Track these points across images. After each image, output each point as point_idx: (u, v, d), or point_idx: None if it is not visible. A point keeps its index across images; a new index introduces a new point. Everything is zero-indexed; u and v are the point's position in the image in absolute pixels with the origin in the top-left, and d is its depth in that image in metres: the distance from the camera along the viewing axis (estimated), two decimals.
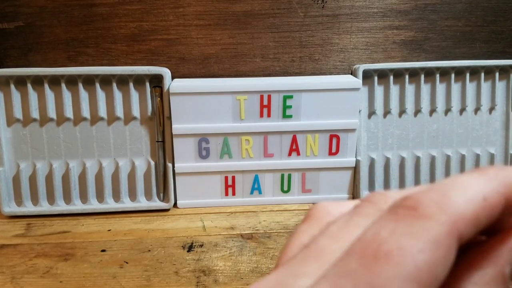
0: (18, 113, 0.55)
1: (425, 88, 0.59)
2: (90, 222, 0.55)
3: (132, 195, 0.58)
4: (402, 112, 0.59)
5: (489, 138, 0.61)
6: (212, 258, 0.46)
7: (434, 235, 0.12)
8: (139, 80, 0.56)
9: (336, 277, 0.12)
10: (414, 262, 0.11)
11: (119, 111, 0.56)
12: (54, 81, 0.55)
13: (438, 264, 0.12)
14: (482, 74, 0.59)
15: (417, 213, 0.12)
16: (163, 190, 0.58)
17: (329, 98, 0.56)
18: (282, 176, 0.59)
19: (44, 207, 0.56)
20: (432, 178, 0.60)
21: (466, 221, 0.12)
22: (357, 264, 0.12)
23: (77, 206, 0.57)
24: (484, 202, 0.13)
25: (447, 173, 0.60)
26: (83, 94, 0.55)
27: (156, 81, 0.56)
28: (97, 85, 0.55)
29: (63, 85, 0.54)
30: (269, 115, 0.56)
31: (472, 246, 0.14)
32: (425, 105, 0.59)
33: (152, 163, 0.58)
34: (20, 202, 0.56)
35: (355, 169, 0.59)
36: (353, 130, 0.58)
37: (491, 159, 0.60)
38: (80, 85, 0.55)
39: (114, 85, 0.55)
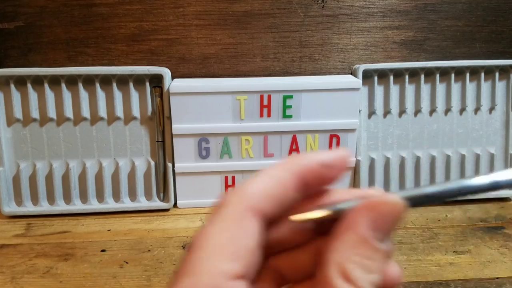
0: (18, 113, 0.55)
1: (425, 88, 0.59)
2: (90, 222, 0.55)
3: (132, 195, 0.58)
4: (402, 112, 0.59)
5: (489, 138, 0.61)
6: None
7: (231, 214, 0.15)
8: (139, 80, 0.56)
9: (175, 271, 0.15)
10: (220, 242, 0.15)
11: (119, 111, 0.56)
12: (54, 81, 0.55)
13: (242, 237, 0.15)
14: (482, 74, 0.59)
15: (222, 204, 0.16)
16: (163, 190, 0.58)
17: (329, 98, 0.56)
18: None
19: (44, 207, 0.56)
20: (432, 178, 0.60)
21: (258, 198, 0.15)
22: (182, 261, 0.15)
23: (77, 206, 0.57)
24: (273, 181, 0.16)
25: (447, 173, 0.60)
26: (83, 94, 0.55)
27: (156, 81, 0.56)
28: (97, 85, 0.55)
29: (63, 85, 0.54)
30: (269, 115, 0.56)
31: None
32: (425, 105, 0.59)
33: (152, 163, 0.58)
34: (20, 202, 0.56)
35: (355, 169, 0.59)
36: (353, 130, 0.58)
37: (491, 159, 0.60)
38: (80, 85, 0.55)
39: (114, 85, 0.55)
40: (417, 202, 0.16)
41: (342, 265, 0.15)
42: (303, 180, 0.16)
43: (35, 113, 0.55)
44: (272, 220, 0.16)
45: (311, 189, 0.17)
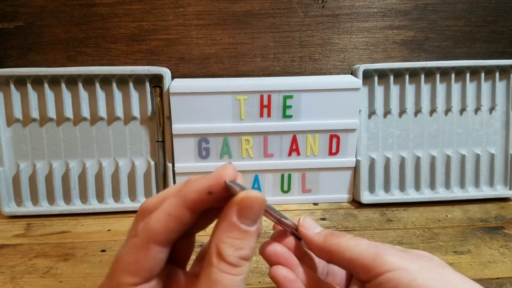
0: (18, 113, 0.55)
1: (425, 88, 0.59)
2: (90, 222, 0.55)
3: (132, 195, 0.58)
4: (402, 112, 0.59)
5: (489, 138, 0.61)
6: None
7: (138, 243, 0.20)
8: (139, 80, 0.56)
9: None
10: (127, 262, 0.20)
11: (119, 111, 0.56)
12: (54, 81, 0.55)
13: (143, 260, 0.20)
14: (482, 74, 0.59)
15: (134, 235, 0.21)
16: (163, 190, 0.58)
17: (329, 98, 0.56)
18: (282, 176, 0.59)
19: (44, 207, 0.56)
20: (432, 178, 0.60)
21: (158, 234, 0.20)
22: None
23: (77, 206, 0.57)
24: (169, 218, 0.20)
25: (447, 173, 0.60)
26: (83, 94, 0.55)
27: (156, 81, 0.56)
28: (97, 85, 0.55)
29: (63, 85, 0.54)
30: (269, 115, 0.56)
31: None
32: (425, 105, 0.59)
33: (152, 163, 0.58)
34: (20, 202, 0.56)
35: (355, 169, 0.59)
36: (353, 130, 0.58)
37: (491, 159, 0.60)
38: (80, 85, 0.55)
39: (114, 85, 0.55)
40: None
41: (217, 245, 0.20)
42: (195, 209, 0.21)
43: (35, 113, 0.55)
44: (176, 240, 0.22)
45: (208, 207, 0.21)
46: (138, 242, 0.20)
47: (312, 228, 0.27)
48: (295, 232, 0.27)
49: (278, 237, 0.28)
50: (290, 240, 0.27)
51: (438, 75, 0.58)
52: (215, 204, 0.21)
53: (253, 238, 0.20)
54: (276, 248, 0.26)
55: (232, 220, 0.20)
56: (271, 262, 0.27)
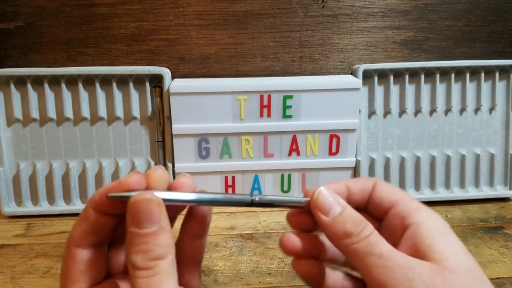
0: (18, 113, 0.55)
1: (425, 88, 0.59)
2: None
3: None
4: (402, 112, 0.59)
5: (489, 138, 0.61)
6: (212, 258, 0.46)
7: (65, 252, 0.22)
8: (139, 80, 0.56)
9: None
10: (62, 272, 0.22)
11: (119, 111, 0.56)
12: (54, 81, 0.55)
13: (71, 265, 0.22)
14: (482, 74, 0.59)
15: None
16: None
17: (329, 98, 0.56)
18: (282, 176, 0.59)
19: (44, 207, 0.56)
20: (432, 178, 0.60)
21: (76, 239, 0.22)
22: None
23: (77, 206, 0.57)
24: (86, 223, 0.22)
25: (447, 173, 0.60)
26: (83, 94, 0.55)
27: (156, 81, 0.56)
28: (97, 85, 0.55)
29: (63, 85, 0.54)
30: (269, 115, 0.56)
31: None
32: (425, 105, 0.59)
33: (152, 163, 0.58)
34: (20, 202, 0.56)
35: (355, 169, 0.59)
36: (353, 130, 0.58)
37: (491, 159, 0.60)
38: (80, 85, 0.55)
39: (114, 85, 0.55)
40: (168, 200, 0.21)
41: (129, 259, 0.20)
42: (102, 210, 0.21)
43: (35, 113, 0.55)
44: (103, 242, 0.23)
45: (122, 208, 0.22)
46: (65, 250, 0.22)
47: (329, 208, 0.23)
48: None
49: (295, 222, 0.25)
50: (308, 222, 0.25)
51: (438, 75, 0.58)
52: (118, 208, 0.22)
53: (159, 236, 0.20)
54: (294, 242, 0.25)
55: (129, 230, 0.20)
56: (291, 255, 0.25)
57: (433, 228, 0.23)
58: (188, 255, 0.24)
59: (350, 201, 0.26)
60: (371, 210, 0.26)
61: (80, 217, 0.22)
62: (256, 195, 0.24)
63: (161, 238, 0.20)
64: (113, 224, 0.22)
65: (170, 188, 0.23)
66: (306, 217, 0.25)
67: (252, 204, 0.23)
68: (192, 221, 0.24)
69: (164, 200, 0.21)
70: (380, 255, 0.21)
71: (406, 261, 0.21)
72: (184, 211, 0.25)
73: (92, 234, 0.21)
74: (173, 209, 0.22)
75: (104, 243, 0.23)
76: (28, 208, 0.56)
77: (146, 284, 0.19)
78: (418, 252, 0.22)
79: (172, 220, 0.23)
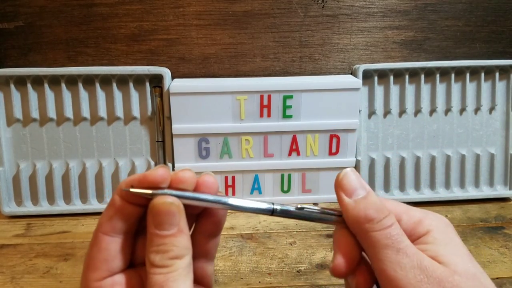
0: (18, 113, 0.55)
1: (425, 88, 0.59)
2: (90, 222, 0.55)
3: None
4: (402, 112, 0.59)
5: (489, 138, 0.61)
6: None
7: (92, 239, 0.22)
8: (139, 80, 0.56)
9: None
10: (87, 259, 0.22)
11: (119, 111, 0.56)
12: (54, 81, 0.55)
13: (96, 252, 0.22)
14: (482, 74, 0.59)
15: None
16: None
17: (329, 98, 0.56)
18: (282, 176, 0.59)
19: (44, 207, 0.56)
20: (432, 178, 0.60)
21: (104, 225, 0.22)
22: None
23: (77, 206, 0.57)
24: (112, 209, 0.22)
25: (447, 173, 0.60)
26: (83, 94, 0.55)
27: (156, 81, 0.56)
28: (97, 85, 0.55)
29: (63, 85, 0.54)
30: (269, 115, 0.56)
31: None
32: (425, 105, 0.59)
33: (152, 163, 0.58)
34: (20, 202, 0.56)
35: (355, 169, 0.59)
36: (353, 130, 0.58)
37: (491, 159, 0.60)
38: (80, 85, 0.55)
39: (114, 85, 0.55)
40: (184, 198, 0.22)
41: (148, 258, 0.21)
42: (127, 199, 0.22)
43: (35, 113, 0.55)
44: (129, 230, 0.23)
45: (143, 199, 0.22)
46: (92, 236, 0.22)
47: (354, 190, 0.23)
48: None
49: (340, 243, 0.23)
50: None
51: (438, 75, 0.58)
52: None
53: (177, 238, 0.21)
54: (341, 267, 0.23)
55: (150, 230, 0.21)
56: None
57: (441, 236, 0.22)
58: (202, 252, 0.25)
59: None
60: None
61: (108, 204, 0.22)
62: (277, 204, 0.23)
63: (179, 240, 0.21)
64: (139, 213, 0.23)
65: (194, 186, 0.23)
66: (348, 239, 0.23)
67: (272, 213, 0.23)
68: (207, 220, 0.24)
69: (184, 197, 0.22)
70: (398, 250, 0.21)
71: (420, 261, 0.21)
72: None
73: (119, 221, 0.22)
74: (193, 206, 0.23)
75: (130, 231, 0.23)
76: (28, 208, 0.56)
77: (161, 279, 0.20)
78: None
79: (192, 217, 0.24)
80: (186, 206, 0.22)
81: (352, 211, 0.22)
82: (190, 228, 0.23)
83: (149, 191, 0.21)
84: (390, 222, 0.22)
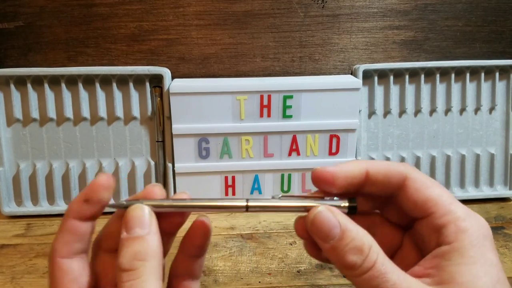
0: (18, 113, 0.55)
1: (425, 88, 0.59)
2: None
3: (132, 195, 0.58)
4: (402, 112, 0.59)
5: (489, 138, 0.61)
6: (212, 258, 0.46)
7: (50, 264, 0.22)
8: (139, 80, 0.56)
9: None
10: (50, 285, 0.22)
11: (119, 111, 0.56)
12: (54, 81, 0.55)
13: (59, 277, 0.21)
14: (482, 74, 0.59)
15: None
16: None
17: (329, 98, 0.56)
18: (282, 176, 0.59)
19: (44, 207, 0.56)
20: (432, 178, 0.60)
21: (60, 250, 0.22)
22: None
23: None
24: (66, 232, 0.22)
25: (447, 173, 0.60)
26: (83, 94, 0.55)
27: (156, 81, 0.56)
28: (97, 85, 0.55)
29: (63, 85, 0.54)
30: (269, 115, 0.56)
31: None
32: (425, 105, 0.59)
33: (152, 163, 0.58)
34: (20, 202, 0.56)
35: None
36: (353, 130, 0.58)
37: (491, 159, 0.60)
38: (80, 85, 0.55)
39: (114, 85, 0.55)
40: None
41: (117, 263, 0.20)
42: (79, 218, 0.22)
43: (35, 113, 0.55)
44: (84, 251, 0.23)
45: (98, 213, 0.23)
46: (49, 264, 0.22)
47: (328, 232, 0.21)
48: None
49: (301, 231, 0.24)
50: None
51: (438, 75, 0.58)
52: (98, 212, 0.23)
53: (147, 239, 0.21)
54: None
55: (121, 237, 0.21)
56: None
57: (471, 252, 0.20)
58: (187, 272, 0.25)
59: (366, 191, 0.23)
60: (397, 206, 0.23)
61: (60, 229, 0.22)
62: (251, 199, 0.23)
63: (148, 242, 0.21)
64: (91, 230, 0.23)
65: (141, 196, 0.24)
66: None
67: (247, 210, 0.23)
68: (190, 240, 0.25)
69: (155, 206, 0.23)
70: (392, 286, 0.19)
71: None
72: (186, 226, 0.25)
73: (75, 243, 0.22)
74: (169, 223, 0.24)
75: (86, 251, 0.23)
76: (28, 208, 0.56)
77: (130, 283, 0.20)
78: (442, 274, 0.20)
79: (170, 235, 0.25)
80: (165, 222, 0.23)
81: (332, 258, 0.21)
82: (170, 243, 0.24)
83: (124, 203, 0.22)
84: (373, 260, 0.20)
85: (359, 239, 0.20)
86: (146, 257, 0.21)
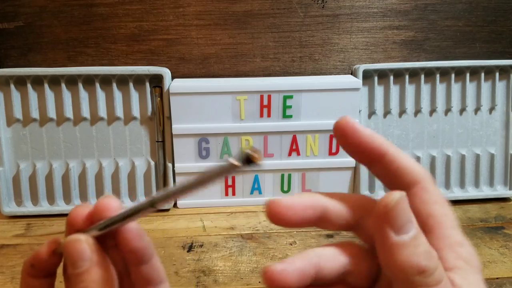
0: (18, 113, 0.55)
1: (425, 88, 0.59)
2: None
3: (132, 195, 0.58)
4: (402, 112, 0.59)
5: (489, 138, 0.61)
6: (212, 258, 0.46)
7: (21, 281, 0.23)
8: (139, 80, 0.56)
9: None
10: None
11: (119, 111, 0.56)
12: (54, 81, 0.55)
13: None
14: (482, 74, 0.59)
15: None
16: None
17: (329, 98, 0.56)
18: (282, 176, 0.59)
19: (44, 207, 0.56)
20: None
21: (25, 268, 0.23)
22: None
23: None
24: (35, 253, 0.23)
25: (447, 173, 0.60)
26: (83, 94, 0.55)
27: (156, 81, 0.56)
28: (97, 85, 0.55)
29: (63, 85, 0.54)
30: (269, 115, 0.56)
31: None
32: (425, 105, 0.59)
33: (152, 163, 0.58)
34: (20, 202, 0.56)
35: (355, 169, 0.59)
36: None
37: (491, 159, 0.60)
38: (80, 85, 0.55)
39: (114, 85, 0.55)
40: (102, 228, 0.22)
41: None
42: (35, 275, 0.23)
43: (35, 113, 0.55)
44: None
45: None
46: (21, 280, 0.23)
47: (402, 226, 0.17)
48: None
49: None
50: None
51: (438, 75, 0.58)
52: (53, 266, 0.23)
53: (92, 272, 0.21)
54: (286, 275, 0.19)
55: (69, 273, 0.21)
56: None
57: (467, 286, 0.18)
58: (143, 281, 0.24)
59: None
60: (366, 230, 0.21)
61: (21, 284, 0.23)
62: (157, 194, 0.22)
63: (95, 273, 0.21)
64: (49, 283, 0.24)
65: (95, 212, 0.23)
66: None
67: (153, 205, 0.21)
68: (124, 250, 0.23)
69: (99, 228, 0.22)
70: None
71: None
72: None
73: (42, 271, 0.23)
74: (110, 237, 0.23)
75: None
76: (28, 208, 0.56)
77: None
78: None
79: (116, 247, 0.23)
80: (107, 239, 0.22)
81: (400, 256, 0.17)
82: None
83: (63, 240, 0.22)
84: (442, 274, 0.17)
85: (430, 246, 0.18)
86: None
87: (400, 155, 0.20)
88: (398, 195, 0.17)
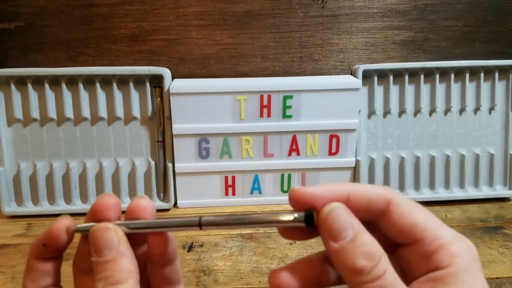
0: (18, 113, 0.55)
1: (425, 88, 0.59)
2: None
3: (132, 195, 0.58)
4: (402, 112, 0.59)
5: (489, 138, 0.61)
6: (212, 258, 0.46)
7: (27, 263, 0.23)
8: (139, 80, 0.56)
9: None
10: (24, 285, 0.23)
11: (119, 111, 0.56)
12: (55, 81, 0.55)
13: (34, 277, 0.23)
14: (482, 74, 0.59)
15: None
16: (163, 190, 0.58)
17: (329, 98, 0.56)
18: (282, 176, 0.59)
19: (45, 207, 0.56)
20: (431, 178, 0.60)
21: (34, 250, 0.23)
22: None
23: (77, 206, 0.57)
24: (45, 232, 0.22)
25: (447, 173, 0.60)
26: (83, 94, 0.55)
27: (156, 81, 0.56)
28: (97, 85, 0.55)
29: (64, 85, 0.54)
30: (269, 115, 0.56)
31: None
32: (425, 105, 0.59)
33: (152, 163, 0.58)
34: (21, 202, 0.56)
35: (355, 169, 0.60)
36: (353, 130, 0.58)
37: (491, 159, 0.60)
38: (80, 85, 0.55)
39: (114, 85, 0.55)
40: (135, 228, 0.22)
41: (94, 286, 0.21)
42: (42, 257, 0.23)
43: (35, 113, 0.55)
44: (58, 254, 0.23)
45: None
46: (27, 262, 0.23)
47: (340, 231, 0.20)
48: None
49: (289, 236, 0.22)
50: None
51: (437, 76, 0.58)
52: (60, 251, 0.23)
53: (118, 262, 0.21)
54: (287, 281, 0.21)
55: (92, 259, 0.21)
56: None
57: (466, 276, 0.19)
58: (162, 280, 0.24)
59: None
60: (378, 232, 0.22)
61: (26, 266, 0.23)
62: (204, 216, 0.22)
63: (120, 264, 0.21)
64: (57, 265, 0.24)
65: (128, 212, 0.23)
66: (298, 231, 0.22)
67: (200, 226, 0.22)
68: (151, 251, 0.24)
69: (126, 226, 0.22)
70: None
71: None
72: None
73: (42, 278, 0.23)
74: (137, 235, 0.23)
75: (57, 283, 0.24)
76: (29, 208, 0.56)
77: None
78: None
79: (138, 246, 0.24)
80: (133, 236, 0.22)
81: (338, 259, 0.19)
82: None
83: (91, 224, 0.22)
84: (383, 269, 0.19)
85: (372, 245, 0.19)
86: (119, 280, 0.20)
87: (358, 190, 0.21)
88: (331, 206, 0.20)
